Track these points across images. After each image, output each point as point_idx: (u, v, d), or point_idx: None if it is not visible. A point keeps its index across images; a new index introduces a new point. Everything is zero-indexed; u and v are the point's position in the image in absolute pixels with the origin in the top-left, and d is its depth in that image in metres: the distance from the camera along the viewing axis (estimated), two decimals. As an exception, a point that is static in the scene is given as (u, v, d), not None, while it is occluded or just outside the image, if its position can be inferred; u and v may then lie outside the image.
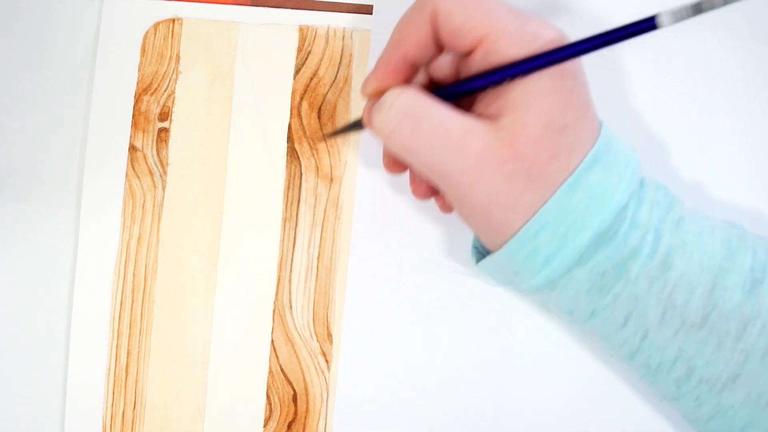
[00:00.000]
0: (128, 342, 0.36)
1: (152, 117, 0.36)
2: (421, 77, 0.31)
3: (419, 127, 0.27)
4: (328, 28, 0.36)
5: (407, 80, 0.29)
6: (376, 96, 0.29)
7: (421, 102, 0.28)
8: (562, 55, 0.26)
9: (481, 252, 0.31)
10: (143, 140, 0.36)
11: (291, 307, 0.36)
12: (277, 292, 0.36)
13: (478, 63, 0.28)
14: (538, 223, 0.27)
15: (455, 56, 0.30)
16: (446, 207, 0.33)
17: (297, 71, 0.36)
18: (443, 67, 0.30)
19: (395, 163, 0.32)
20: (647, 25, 0.22)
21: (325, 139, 0.35)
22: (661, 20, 0.20)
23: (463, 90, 0.28)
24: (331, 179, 0.36)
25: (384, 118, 0.28)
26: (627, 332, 0.29)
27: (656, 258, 0.28)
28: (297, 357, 0.36)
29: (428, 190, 0.32)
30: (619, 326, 0.29)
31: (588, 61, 0.38)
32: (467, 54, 0.28)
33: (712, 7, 0.19)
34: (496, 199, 0.27)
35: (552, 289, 0.29)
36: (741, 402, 0.28)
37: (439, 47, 0.29)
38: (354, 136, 0.36)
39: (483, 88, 0.28)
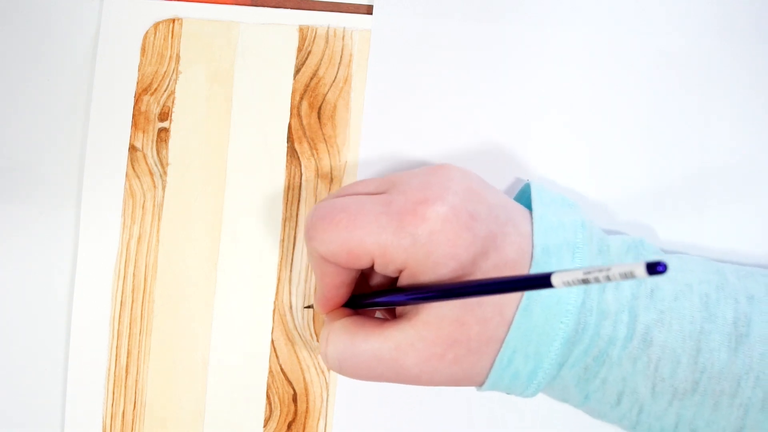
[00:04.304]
0: (128, 342, 0.36)
1: (152, 117, 0.36)
2: None
3: (357, 365, 0.28)
4: (328, 28, 0.36)
5: (350, 289, 0.31)
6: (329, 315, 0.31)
7: (348, 343, 0.29)
8: (470, 292, 0.25)
9: None
10: (143, 140, 0.36)
11: (291, 307, 0.36)
12: (277, 292, 0.36)
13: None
14: (507, 352, 0.28)
15: None
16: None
17: (297, 71, 0.36)
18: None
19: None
20: (542, 283, 0.22)
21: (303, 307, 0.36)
22: (555, 280, 0.21)
23: (382, 304, 0.29)
24: (331, 179, 0.36)
25: (326, 362, 0.30)
26: (623, 409, 0.29)
27: (635, 339, 0.28)
28: (297, 357, 0.36)
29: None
30: (614, 405, 0.29)
31: (587, 61, 0.38)
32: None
33: (597, 282, 0.20)
34: (455, 378, 0.28)
35: (544, 390, 0.30)
36: None
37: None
38: (354, 136, 0.36)
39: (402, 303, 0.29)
